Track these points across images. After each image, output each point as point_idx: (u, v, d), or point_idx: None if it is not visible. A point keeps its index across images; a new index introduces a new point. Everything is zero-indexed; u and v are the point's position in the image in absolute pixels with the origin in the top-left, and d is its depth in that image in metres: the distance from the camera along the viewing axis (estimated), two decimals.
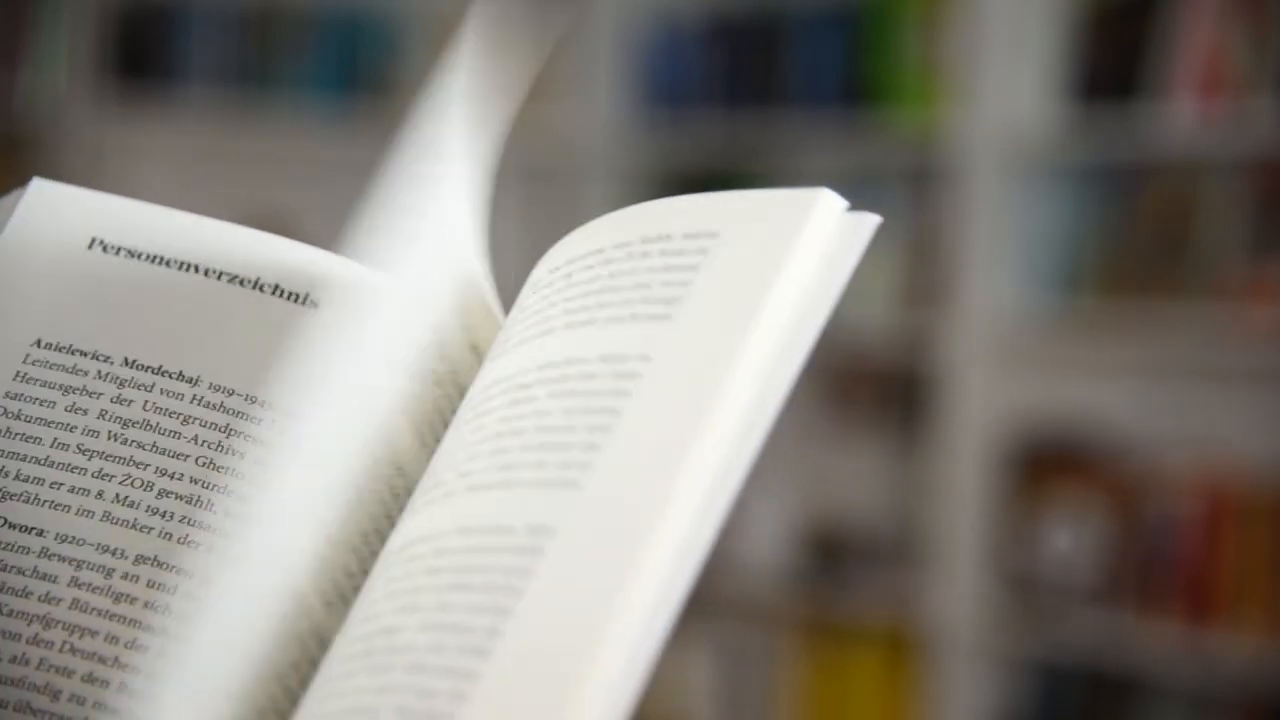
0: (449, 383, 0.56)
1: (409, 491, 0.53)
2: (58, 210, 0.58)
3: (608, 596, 0.43)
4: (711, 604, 3.12)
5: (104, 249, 0.58)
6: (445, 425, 0.55)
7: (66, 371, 0.55)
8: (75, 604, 0.51)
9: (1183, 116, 2.48)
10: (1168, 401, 2.61)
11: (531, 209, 3.40)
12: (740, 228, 0.50)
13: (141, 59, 3.14)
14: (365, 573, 0.51)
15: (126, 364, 0.55)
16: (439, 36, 3.30)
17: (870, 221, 0.52)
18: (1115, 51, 2.59)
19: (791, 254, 0.49)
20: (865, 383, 3.03)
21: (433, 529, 0.48)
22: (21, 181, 0.61)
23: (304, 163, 3.26)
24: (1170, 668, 2.47)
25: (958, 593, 2.69)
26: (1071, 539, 2.59)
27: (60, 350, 0.55)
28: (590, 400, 0.48)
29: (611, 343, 0.49)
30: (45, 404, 0.54)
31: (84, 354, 0.55)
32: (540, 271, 0.56)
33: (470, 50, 0.53)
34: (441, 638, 0.45)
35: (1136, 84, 2.54)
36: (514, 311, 0.56)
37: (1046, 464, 2.65)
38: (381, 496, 0.53)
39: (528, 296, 0.55)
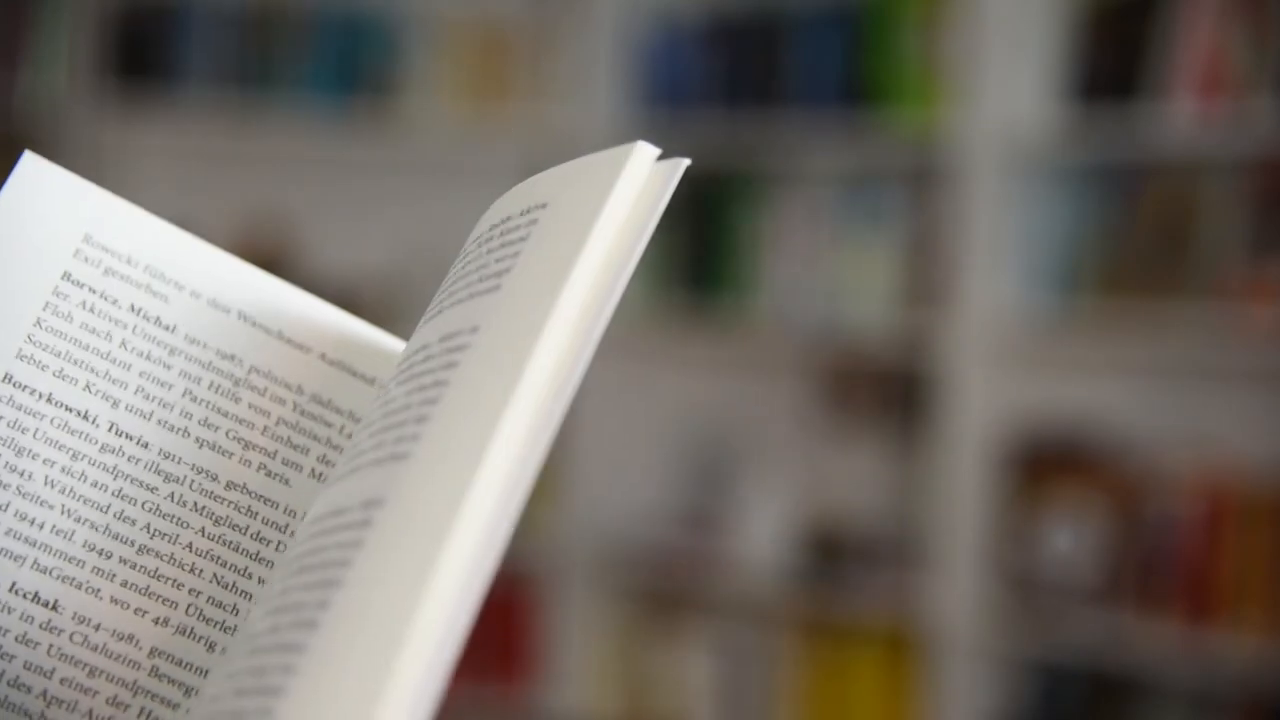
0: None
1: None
2: (49, 194, 0.58)
3: (427, 555, 0.44)
4: (711, 604, 3.12)
5: (95, 247, 0.57)
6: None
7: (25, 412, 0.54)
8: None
9: (1183, 116, 2.48)
10: (1168, 401, 2.61)
11: None
12: (565, 193, 0.51)
13: (141, 59, 3.14)
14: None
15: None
16: (439, 36, 3.30)
17: (680, 164, 0.52)
18: (1115, 51, 2.59)
19: (603, 206, 0.50)
20: (865, 383, 3.03)
21: (302, 510, 0.51)
22: None
23: (304, 163, 3.26)
24: (1170, 668, 2.47)
25: (958, 593, 2.69)
26: (1071, 539, 2.59)
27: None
28: (424, 378, 0.49)
29: (449, 323, 0.51)
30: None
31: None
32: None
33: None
34: (277, 620, 0.46)
35: (1136, 84, 2.54)
36: None
37: (1046, 464, 2.65)
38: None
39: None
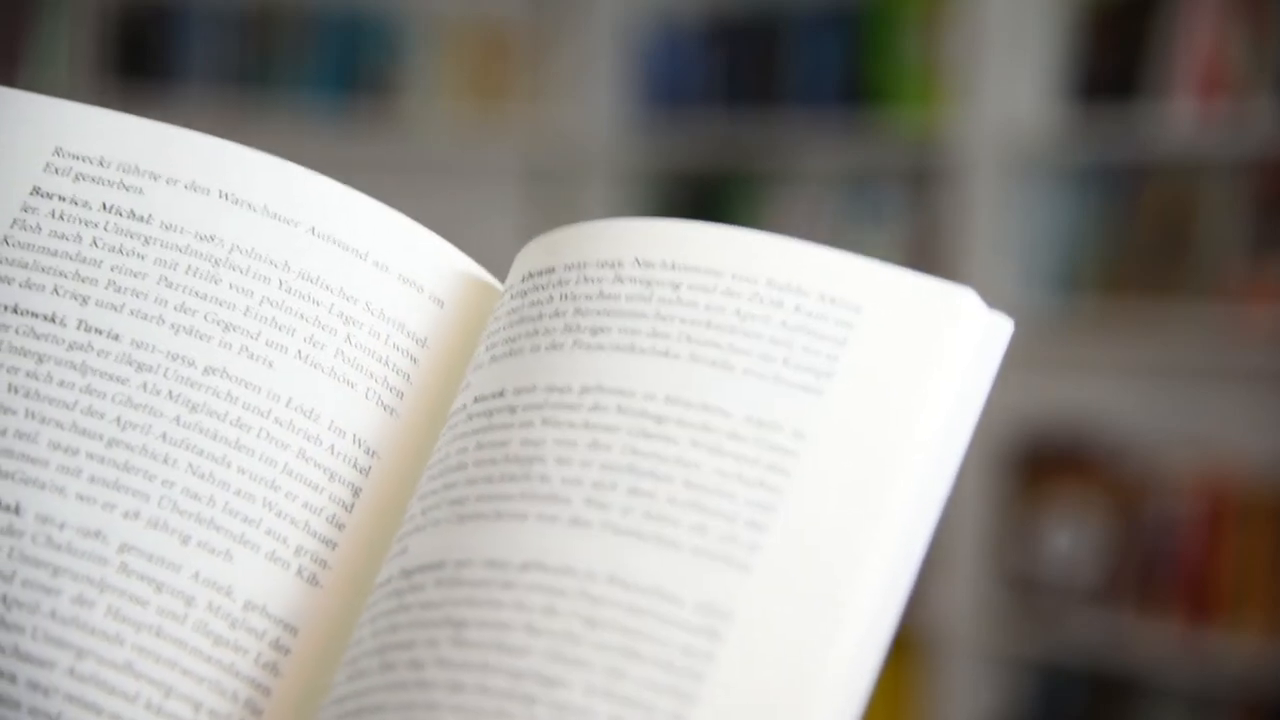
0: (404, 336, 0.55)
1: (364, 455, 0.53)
2: (17, 116, 0.57)
3: (796, 696, 0.43)
4: None
5: (66, 157, 0.55)
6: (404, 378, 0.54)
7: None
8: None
9: (1183, 116, 2.48)
10: (1168, 401, 2.61)
11: (531, 209, 3.40)
12: (885, 309, 0.49)
13: (141, 59, 3.14)
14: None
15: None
16: (439, 36, 3.31)
17: (1006, 327, 0.51)
18: (1115, 51, 2.59)
19: (943, 355, 0.49)
20: None
21: (567, 560, 0.46)
22: None
23: (304, 163, 3.25)
24: (1170, 668, 2.47)
25: (958, 593, 2.69)
26: (1071, 539, 2.59)
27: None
28: (744, 468, 0.47)
29: (758, 404, 0.47)
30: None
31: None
32: (593, 252, 0.53)
33: None
34: (621, 712, 0.44)
35: (1136, 84, 2.54)
36: (553, 289, 0.53)
37: (1046, 464, 2.65)
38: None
39: (575, 278, 0.53)
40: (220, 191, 0.56)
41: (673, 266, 0.50)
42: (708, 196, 3.19)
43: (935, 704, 2.73)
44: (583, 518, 0.47)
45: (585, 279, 0.52)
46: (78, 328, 0.52)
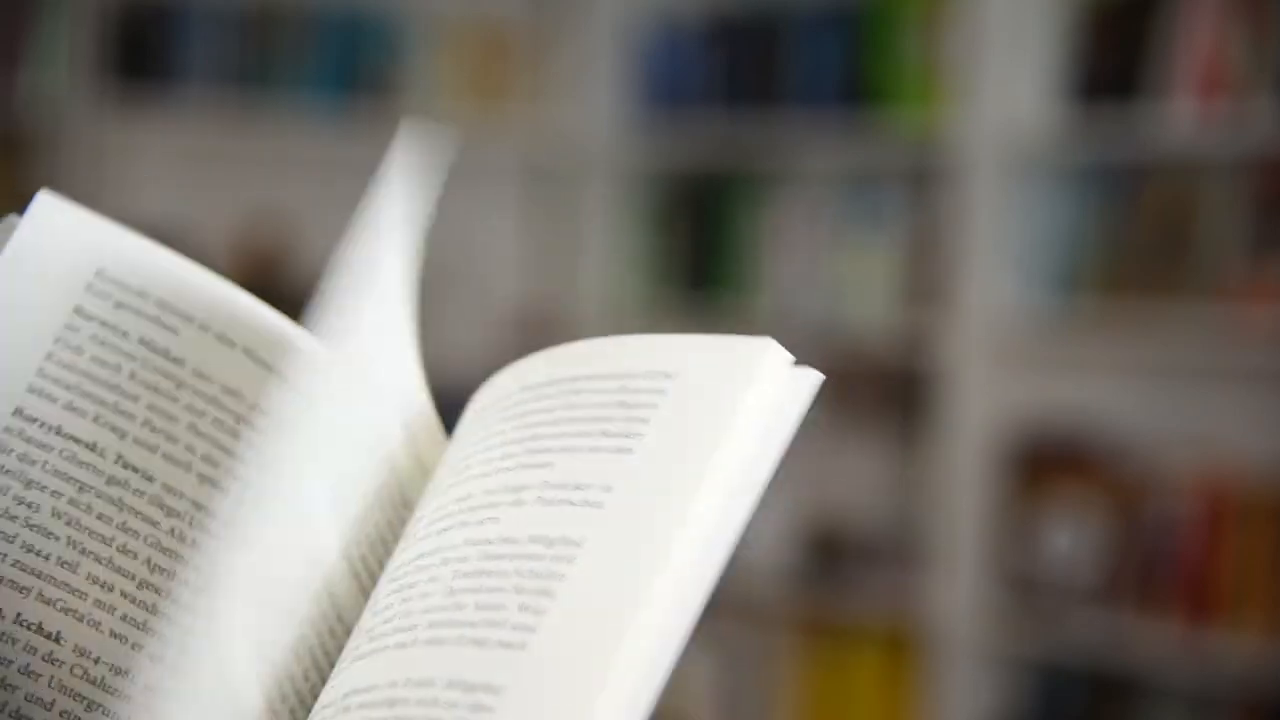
0: (397, 502, 0.57)
1: (343, 625, 0.54)
2: (63, 230, 0.57)
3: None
4: (711, 604, 3.11)
5: (107, 281, 0.56)
6: (386, 550, 0.56)
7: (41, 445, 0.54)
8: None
9: (1183, 116, 2.48)
10: (1168, 401, 2.61)
11: (531, 209, 3.40)
12: (693, 372, 0.53)
13: (141, 59, 3.14)
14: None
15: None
16: (439, 36, 3.30)
17: (812, 379, 0.54)
18: (1115, 51, 2.59)
19: (739, 406, 0.52)
20: (865, 382, 3.03)
21: (374, 680, 0.49)
22: (22, 181, 0.60)
23: (304, 163, 3.26)
24: (1170, 668, 2.47)
25: (958, 593, 2.69)
26: (1071, 539, 2.59)
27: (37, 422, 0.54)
28: (547, 529, 0.50)
29: (568, 472, 0.51)
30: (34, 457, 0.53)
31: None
32: (484, 400, 0.58)
33: (396, 176, 0.55)
34: None
35: (1136, 84, 2.54)
36: (461, 439, 0.57)
37: (1046, 464, 2.65)
38: (318, 626, 0.54)
39: (474, 426, 0.56)
40: (245, 348, 0.57)
41: (522, 388, 0.55)
42: (708, 196, 3.19)
43: (935, 704, 2.73)
44: (404, 638, 0.50)
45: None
46: (116, 461, 0.53)
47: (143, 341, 0.55)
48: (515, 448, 0.53)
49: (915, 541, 2.83)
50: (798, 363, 0.54)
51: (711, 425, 0.51)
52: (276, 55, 3.21)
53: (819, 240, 3.01)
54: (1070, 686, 2.64)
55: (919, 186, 2.86)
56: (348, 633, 0.54)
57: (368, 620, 0.52)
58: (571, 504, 0.50)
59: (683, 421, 0.51)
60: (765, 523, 3.03)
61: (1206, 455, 2.52)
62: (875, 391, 3.03)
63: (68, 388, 0.54)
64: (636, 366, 0.54)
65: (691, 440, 0.51)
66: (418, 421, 0.59)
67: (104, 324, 0.55)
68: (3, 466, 0.52)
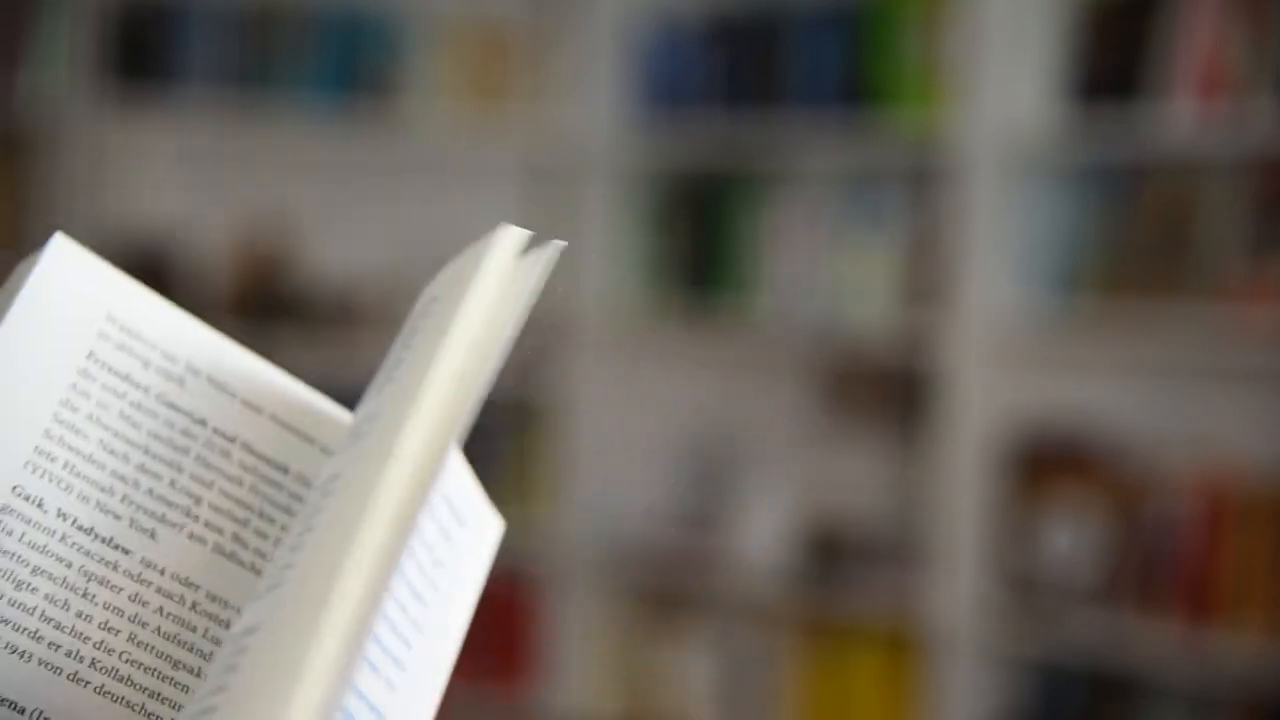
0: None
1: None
2: (74, 277, 0.57)
3: (291, 667, 0.42)
4: (711, 604, 3.12)
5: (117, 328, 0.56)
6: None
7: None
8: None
9: (1183, 116, 2.48)
10: (1168, 401, 2.61)
11: (531, 209, 3.40)
12: (448, 288, 0.51)
13: (141, 59, 3.14)
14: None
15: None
16: (439, 36, 3.30)
17: (552, 248, 0.50)
18: (1115, 51, 2.59)
19: (469, 295, 0.49)
20: (865, 382, 3.03)
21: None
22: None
23: (304, 163, 3.26)
24: (1170, 668, 2.47)
25: (958, 593, 2.69)
26: (1071, 539, 2.59)
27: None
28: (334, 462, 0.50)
29: (362, 410, 0.51)
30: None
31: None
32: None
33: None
34: None
35: (1136, 84, 2.54)
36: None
37: (1046, 464, 2.65)
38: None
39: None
40: (243, 399, 0.57)
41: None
42: (708, 196, 3.19)
43: (935, 704, 2.73)
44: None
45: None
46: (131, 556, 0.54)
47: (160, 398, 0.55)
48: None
49: (915, 541, 2.83)
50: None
51: (440, 329, 0.49)
52: (276, 55, 3.21)
53: (819, 240, 3.01)
54: (1070, 686, 2.64)
55: (919, 186, 2.86)
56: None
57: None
58: (353, 439, 0.51)
59: (427, 336, 0.50)
60: (765, 522, 3.03)
61: (1206, 455, 2.52)
62: (875, 391, 3.03)
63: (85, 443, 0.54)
64: (426, 295, 0.54)
65: (425, 350, 0.49)
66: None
67: (115, 372, 0.55)
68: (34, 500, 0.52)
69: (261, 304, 3.20)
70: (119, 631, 0.51)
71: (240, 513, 0.54)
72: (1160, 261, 2.55)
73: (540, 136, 3.30)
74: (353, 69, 3.24)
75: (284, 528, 0.54)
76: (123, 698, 0.50)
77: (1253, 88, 2.43)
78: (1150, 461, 2.56)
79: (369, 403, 0.51)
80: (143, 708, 0.50)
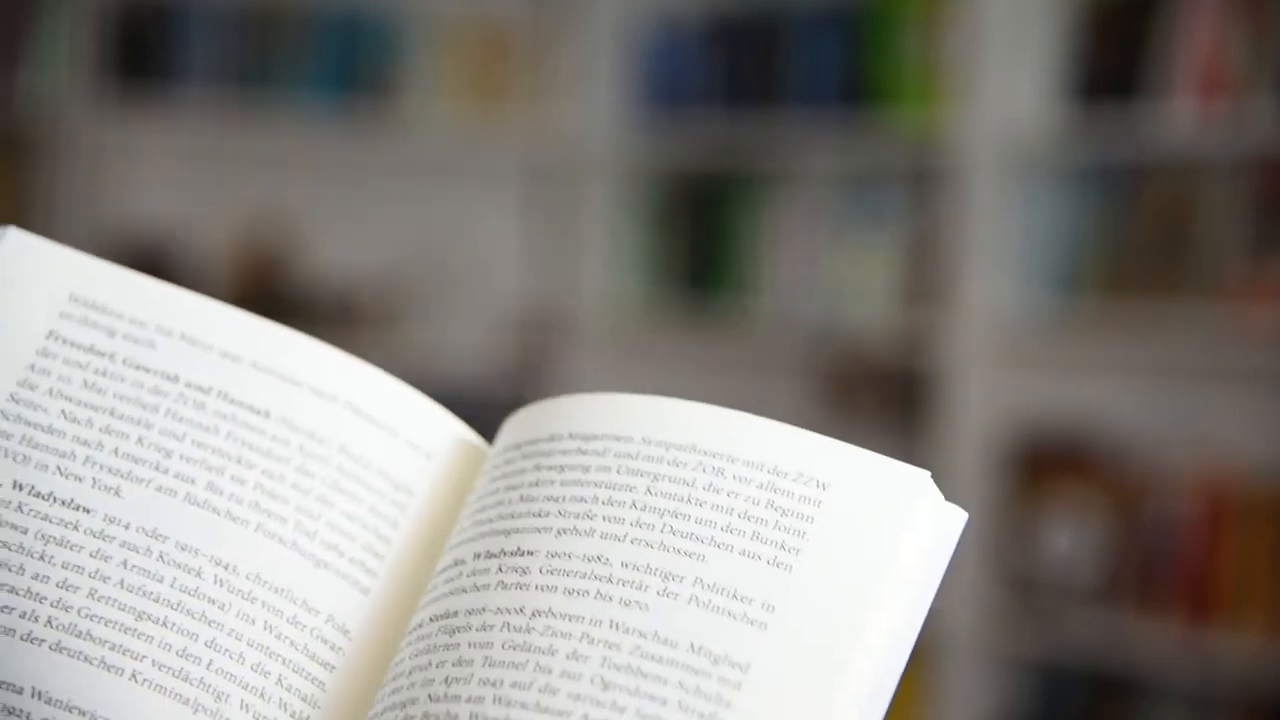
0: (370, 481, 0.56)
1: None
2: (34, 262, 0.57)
3: None
4: None
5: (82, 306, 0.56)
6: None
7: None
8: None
9: (1183, 116, 2.48)
10: (1168, 401, 2.61)
11: (531, 209, 3.40)
12: (850, 487, 0.52)
13: (141, 59, 3.14)
14: None
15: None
16: (439, 36, 3.30)
17: (960, 520, 0.52)
18: (1115, 51, 2.59)
19: (905, 537, 0.51)
20: (865, 382, 3.03)
21: None
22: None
23: (304, 163, 3.26)
24: (1170, 668, 2.47)
25: (958, 593, 2.69)
26: (1071, 539, 2.59)
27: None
28: (712, 642, 0.48)
29: (728, 576, 0.50)
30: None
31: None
32: (572, 421, 0.56)
33: None
34: None
35: (1136, 84, 2.54)
36: (542, 451, 0.55)
37: (1046, 464, 2.65)
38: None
39: (565, 449, 0.54)
40: (220, 350, 0.57)
41: (646, 442, 0.53)
42: (708, 196, 3.19)
43: (935, 704, 2.73)
44: None
45: (561, 453, 0.54)
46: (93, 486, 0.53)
47: (122, 360, 0.55)
48: (651, 516, 0.51)
49: None
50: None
51: (875, 560, 0.50)
52: (276, 55, 3.21)
53: (819, 240, 3.01)
54: (1070, 686, 2.64)
55: (919, 186, 2.86)
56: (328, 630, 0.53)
57: (435, 662, 0.50)
58: (733, 617, 0.49)
59: (844, 548, 0.50)
60: None
61: (1206, 455, 2.52)
62: (875, 391, 3.03)
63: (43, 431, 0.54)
64: (784, 464, 0.52)
65: (855, 573, 0.50)
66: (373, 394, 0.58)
67: (80, 346, 0.55)
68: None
69: (261, 304, 3.19)
70: (78, 589, 0.51)
71: (215, 461, 0.54)
72: (1160, 261, 2.55)
73: (540, 136, 3.30)
74: (353, 69, 3.24)
75: (265, 472, 0.54)
76: (80, 652, 0.50)
77: (1253, 88, 2.43)
78: (1150, 461, 2.56)
79: (732, 557, 0.50)
80: (102, 660, 0.50)
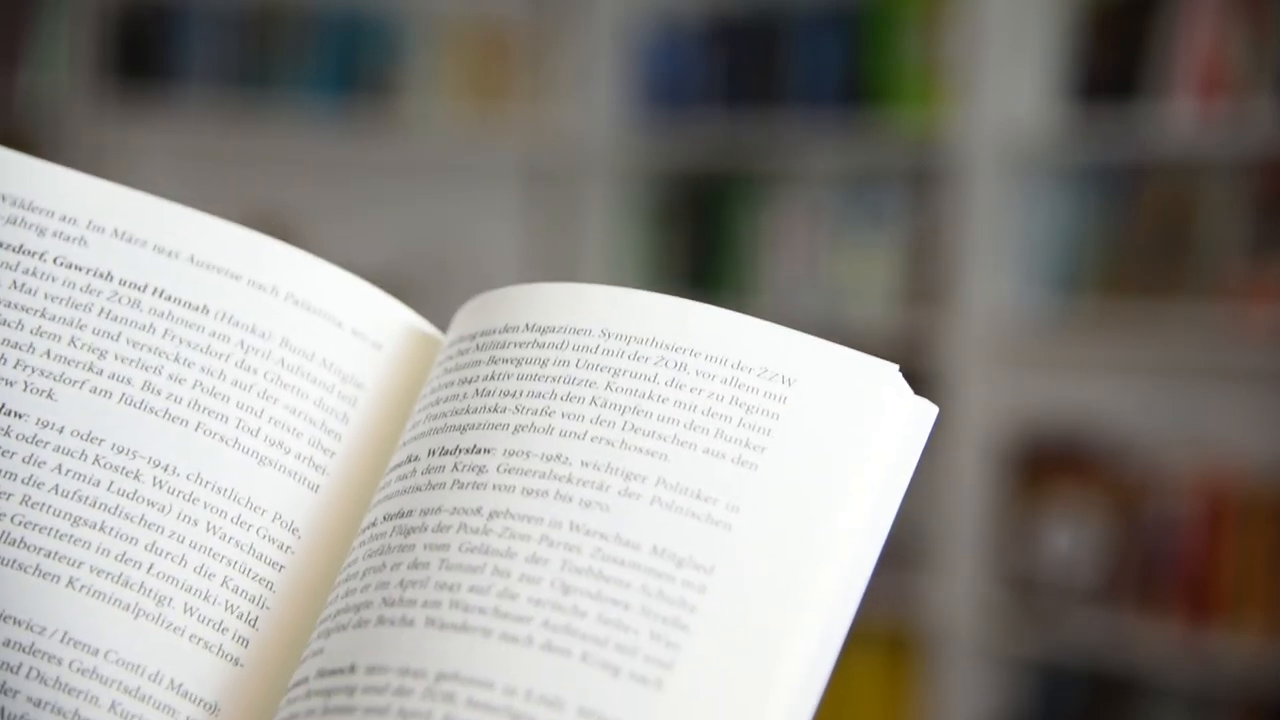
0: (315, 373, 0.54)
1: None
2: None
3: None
4: None
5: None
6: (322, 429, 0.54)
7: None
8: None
9: (1183, 116, 2.48)
10: (1168, 401, 2.61)
11: (531, 209, 3.41)
12: (817, 383, 0.51)
13: (141, 59, 3.14)
14: None
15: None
16: (439, 36, 3.30)
17: (931, 413, 0.52)
18: (1115, 51, 2.59)
19: (874, 431, 0.50)
20: None
21: (465, 670, 0.45)
22: None
23: (304, 163, 3.26)
24: (1170, 668, 2.47)
25: (958, 593, 2.69)
26: (1071, 539, 2.59)
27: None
28: (675, 543, 0.47)
29: (691, 475, 0.48)
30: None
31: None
32: (526, 309, 0.53)
33: None
34: None
35: (1136, 84, 2.54)
36: (491, 341, 0.53)
37: (1046, 464, 2.65)
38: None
39: (518, 337, 0.52)
40: (155, 245, 0.56)
41: (605, 335, 0.51)
42: (708, 196, 3.19)
43: (935, 704, 2.73)
44: (485, 624, 0.46)
45: (516, 345, 0.52)
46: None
47: (55, 260, 0.54)
48: (612, 414, 0.49)
49: (915, 541, 2.83)
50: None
51: (842, 456, 0.49)
52: (276, 55, 3.21)
53: (819, 240, 3.01)
54: (1070, 686, 2.64)
55: (919, 186, 2.86)
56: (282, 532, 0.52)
57: (389, 564, 0.49)
58: (695, 517, 0.47)
59: (810, 445, 0.49)
60: None
61: (1206, 455, 2.52)
62: None
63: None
64: (749, 359, 0.51)
65: (821, 469, 0.48)
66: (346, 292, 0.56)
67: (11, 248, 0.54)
68: None
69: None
70: (10, 495, 0.50)
71: (152, 360, 0.52)
72: (1160, 261, 2.55)
73: (540, 136, 3.30)
74: (353, 69, 3.24)
75: (204, 369, 0.53)
76: (14, 560, 0.49)
77: (1253, 88, 2.43)
78: (1150, 461, 2.56)
79: (692, 455, 0.49)
80: (37, 568, 0.49)
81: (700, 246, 3.19)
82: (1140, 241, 2.58)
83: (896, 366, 0.51)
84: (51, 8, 3.07)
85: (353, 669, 0.47)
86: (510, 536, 0.47)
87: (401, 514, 0.50)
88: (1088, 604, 2.56)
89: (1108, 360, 2.66)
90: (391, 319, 0.56)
